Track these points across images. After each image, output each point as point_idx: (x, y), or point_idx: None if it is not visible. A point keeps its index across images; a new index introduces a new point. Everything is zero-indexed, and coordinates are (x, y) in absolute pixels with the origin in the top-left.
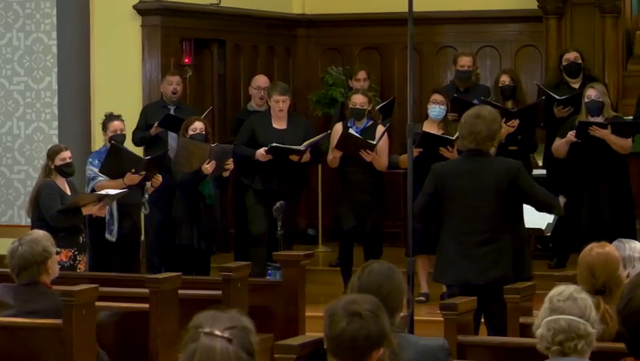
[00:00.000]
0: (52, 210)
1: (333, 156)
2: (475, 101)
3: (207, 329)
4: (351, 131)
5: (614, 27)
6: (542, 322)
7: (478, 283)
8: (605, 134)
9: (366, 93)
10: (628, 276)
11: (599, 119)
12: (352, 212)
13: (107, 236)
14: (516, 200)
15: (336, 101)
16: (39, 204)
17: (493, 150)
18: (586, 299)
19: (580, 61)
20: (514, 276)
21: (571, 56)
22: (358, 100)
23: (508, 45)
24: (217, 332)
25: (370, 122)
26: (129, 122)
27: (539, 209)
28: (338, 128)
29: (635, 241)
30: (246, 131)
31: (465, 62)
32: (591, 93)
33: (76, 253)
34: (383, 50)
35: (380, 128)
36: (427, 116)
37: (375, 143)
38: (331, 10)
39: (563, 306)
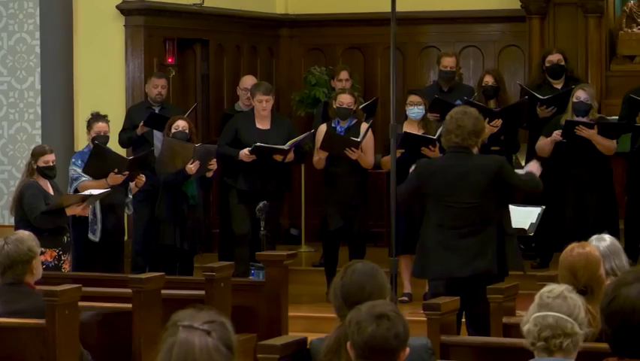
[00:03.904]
0: (36, 212)
1: (319, 157)
2: (458, 102)
3: (186, 323)
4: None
5: (597, 27)
6: (530, 317)
7: (463, 275)
8: (592, 134)
9: (353, 93)
10: None
11: (585, 120)
12: (339, 213)
13: (90, 236)
14: (502, 194)
15: (319, 101)
16: (22, 204)
17: (475, 150)
18: (576, 300)
19: (563, 62)
20: (500, 270)
21: (554, 57)
22: (345, 100)
23: (491, 45)
24: (196, 325)
25: (354, 121)
26: (112, 123)
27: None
28: (322, 129)
29: (605, 237)
30: (229, 131)
31: (448, 62)
32: (581, 95)
33: (60, 252)
34: (366, 50)
35: (364, 126)
36: (405, 117)
37: (359, 140)
38: (314, 10)
39: (552, 303)
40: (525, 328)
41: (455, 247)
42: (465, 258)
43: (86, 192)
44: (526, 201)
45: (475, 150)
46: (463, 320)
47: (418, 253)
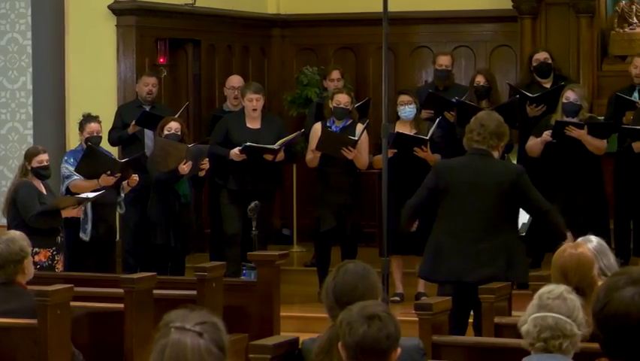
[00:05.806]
0: (31, 211)
1: (313, 156)
2: (454, 99)
3: (178, 324)
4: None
5: (588, 27)
6: (529, 318)
7: (470, 281)
8: (582, 134)
9: (350, 93)
10: None
11: (574, 120)
12: (331, 213)
13: (82, 235)
14: (515, 203)
15: (311, 101)
16: (16, 203)
17: (496, 154)
18: (575, 300)
19: (550, 61)
20: (508, 277)
21: (540, 56)
22: (342, 99)
23: (483, 45)
24: (188, 326)
25: (350, 121)
26: (104, 122)
27: (533, 214)
28: (317, 128)
29: (592, 238)
30: (220, 131)
31: (443, 61)
32: (570, 95)
33: (54, 253)
34: (358, 50)
35: (359, 126)
36: (397, 117)
37: (356, 139)
38: (306, 10)
39: (552, 304)
40: (523, 328)
41: (466, 251)
42: (473, 264)
43: (83, 195)
44: None
45: (496, 154)
46: (471, 320)
47: (428, 254)
